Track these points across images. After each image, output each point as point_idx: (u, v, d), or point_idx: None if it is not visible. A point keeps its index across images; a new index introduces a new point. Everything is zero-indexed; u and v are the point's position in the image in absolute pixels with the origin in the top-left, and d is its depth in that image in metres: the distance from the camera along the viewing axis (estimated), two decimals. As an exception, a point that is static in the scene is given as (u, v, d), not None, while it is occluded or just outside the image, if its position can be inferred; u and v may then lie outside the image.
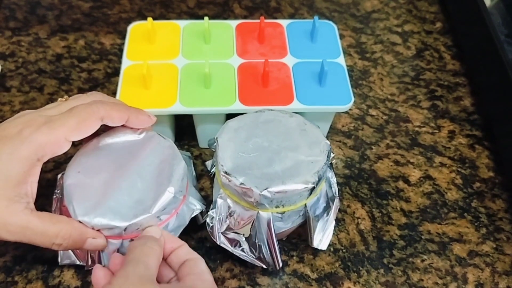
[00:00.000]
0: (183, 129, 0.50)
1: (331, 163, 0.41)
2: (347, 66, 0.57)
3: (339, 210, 0.45)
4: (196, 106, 0.44)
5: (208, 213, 0.39)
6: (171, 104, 0.44)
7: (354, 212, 0.46)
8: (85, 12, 0.63)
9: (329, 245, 0.43)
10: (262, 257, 0.38)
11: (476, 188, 0.48)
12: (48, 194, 0.45)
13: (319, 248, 0.39)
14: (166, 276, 0.35)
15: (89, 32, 0.60)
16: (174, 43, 0.49)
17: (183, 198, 0.38)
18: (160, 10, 0.63)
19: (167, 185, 0.36)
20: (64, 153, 0.35)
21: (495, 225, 0.45)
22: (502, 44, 0.50)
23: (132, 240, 0.36)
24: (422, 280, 0.42)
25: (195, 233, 0.43)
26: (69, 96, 0.53)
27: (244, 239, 0.38)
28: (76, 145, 0.45)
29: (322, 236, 0.39)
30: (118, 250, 0.37)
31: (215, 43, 0.49)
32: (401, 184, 0.48)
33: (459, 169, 0.49)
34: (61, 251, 0.38)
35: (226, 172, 0.36)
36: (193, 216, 0.39)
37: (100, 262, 0.38)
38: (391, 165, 0.49)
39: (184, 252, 0.35)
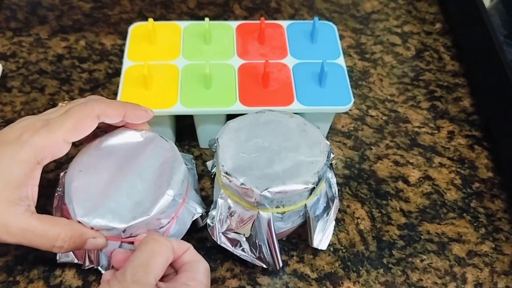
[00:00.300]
0: (184, 129, 0.50)
1: (331, 164, 0.42)
2: (347, 66, 0.57)
3: (339, 210, 0.45)
4: (197, 107, 0.44)
5: (209, 213, 0.39)
6: (172, 104, 0.44)
7: (353, 212, 0.46)
8: (85, 12, 0.63)
9: (329, 245, 0.43)
10: (262, 257, 0.38)
11: (475, 189, 0.48)
12: (49, 194, 0.45)
13: (319, 248, 0.39)
14: (165, 271, 0.35)
15: (90, 33, 0.60)
16: (175, 44, 0.49)
17: (183, 202, 0.38)
18: (161, 11, 0.63)
19: (166, 187, 0.36)
20: (65, 153, 0.35)
21: (494, 225, 0.46)
22: (501, 45, 0.50)
23: (131, 243, 0.36)
24: (422, 280, 0.42)
25: (196, 233, 0.43)
26: (70, 97, 0.53)
27: (244, 239, 0.38)
28: (78, 145, 0.45)
29: (322, 236, 0.39)
30: None
31: (216, 44, 0.49)
32: (400, 184, 0.48)
33: (458, 170, 0.50)
34: None
35: (226, 173, 0.36)
36: (193, 219, 0.39)
37: (98, 262, 0.38)
38: (391, 166, 0.50)
39: (188, 256, 0.35)
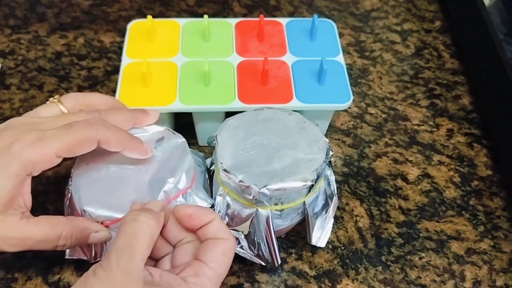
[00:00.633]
0: (183, 127, 0.50)
1: (330, 161, 0.42)
2: (347, 64, 0.57)
3: (338, 208, 0.45)
4: (196, 104, 0.44)
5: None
6: (171, 102, 0.44)
7: (352, 210, 0.46)
8: (84, 10, 0.63)
9: (328, 242, 0.43)
10: (261, 254, 0.38)
11: (474, 186, 0.48)
12: (57, 190, 0.46)
13: (318, 245, 0.39)
14: (185, 239, 0.33)
15: (89, 30, 0.60)
16: (174, 41, 0.49)
17: (185, 190, 0.38)
18: (160, 8, 0.63)
19: (169, 176, 0.36)
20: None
21: (493, 223, 0.46)
22: (501, 43, 0.50)
23: None
24: (420, 277, 0.42)
25: (194, 230, 0.43)
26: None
27: (243, 236, 0.38)
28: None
29: (321, 234, 0.39)
30: None
31: (215, 41, 0.49)
32: (399, 182, 0.48)
33: (457, 167, 0.50)
34: None
35: (225, 170, 0.36)
36: None
37: (101, 255, 0.38)
38: (390, 163, 0.50)
39: (211, 230, 0.32)
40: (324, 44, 0.50)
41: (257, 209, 0.37)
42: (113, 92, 0.53)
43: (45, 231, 0.33)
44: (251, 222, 0.37)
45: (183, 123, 0.50)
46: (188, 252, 0.33)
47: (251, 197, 0.36)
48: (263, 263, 0.38)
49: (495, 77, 0.51)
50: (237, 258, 0.41)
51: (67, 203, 0.39)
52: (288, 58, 0.48)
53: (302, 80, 0.46)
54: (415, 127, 0.53)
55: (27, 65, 0.56)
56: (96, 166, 0.37)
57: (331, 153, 0.40)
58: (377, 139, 0.52)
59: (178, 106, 0.44)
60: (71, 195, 0.37)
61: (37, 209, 0.44)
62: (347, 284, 0.41)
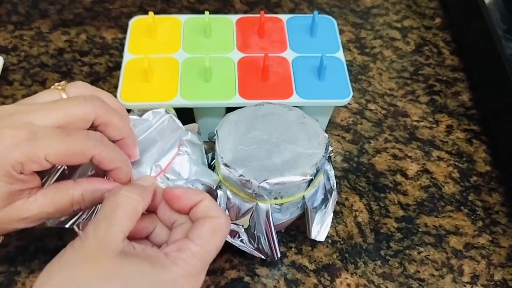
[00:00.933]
0: (184, 122, 0.50)
1: (329, 156, 0.42)
2: (347, 61, 0.58)
3: (337, 203, 0.46)
4: (197, 100, 0.44)
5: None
6: (172, 97, 0.44)
7: (352, 205, 0.46)
8: (86, 6, 0.63)
9: (327, 237, 0.44)
10: (260, 248, 0.38)
11: (473, 182, 0.49)
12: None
13: (317, 239, 0.40)
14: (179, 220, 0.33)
15: (91, 27, 0.61)
16: (175, 37, 0.49)
17: (174, 157, 0.37)
18: (161, 5, 0.64)
19: (160, 151, 0.37)
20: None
21: (491, 218, 0.46)
22: (500, 39, 0.51)
23: None
24: (419, 271, 0.42)
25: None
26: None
27: (243, 230, 0.39)
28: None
29: (320, 228, 0.40)
30: None
31: (216, 38, 0.49)
32: (398, 177, 0.49)
33: (456, 163, 0.50)
34: None
35: (225, 164, 0.37)
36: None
37: None
38: (389, 159, 0.50)
39: (200, 210, 0.31)
40: (324, 41, 0.50)
41: (257, 203, 0.37)
42: (114, 88, 0.54)
43: (54, 201, 0.32)
44: (251, 216, 0.38)
45: (184, 119, 0.50)
46: (179, 234, 0.32)
47: (251, 191, 0.36)
48: (263, 257, 0.39)
49: (495, 74, 0.51)
50: (237, 252, 0.42)
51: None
52: (289, 54, 0.48)
53: (302, 76, 0.46)
54: (415, 123, 0.53)
55: (30, 61, 0.57)
56: None
57: (330, 148, 0.40)
58: (376, 135, 0.52)
59: (179, 101, 0.44)
60: None
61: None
62: (346, 278, 0.42)
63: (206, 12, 0.48)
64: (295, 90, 0.45)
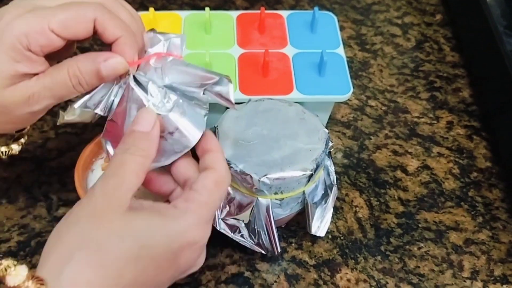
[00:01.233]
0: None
1: (329, 152, 0.42)
2: (347, 57, 0.58)
3: (338, 199, 0.46)
4: (197, 95, 0.44)
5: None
6: (172, 93, 0.44)
7: (352, 201, 0.46)
8: (87, 3, 0.63)
9: (327, 232, 0.44)
10: (261, 243, 0.38)
11: (473, 178, 0.49)
12: (60, 180, 0.46)
13: (317, 234, 0.40)
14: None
15: (92, 23, 0.61)
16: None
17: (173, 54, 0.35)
18: (162, 1, 0.64)
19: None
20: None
21: (491, 214, 0.46)
22: (501, 35, 0.51)
23: None
24: (419, 267, 0.42)
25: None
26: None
27: (243, 225, 0.39)
28: (79, 134, 0.46)
29: (320, 223, 0.40)
30: None
31: (216, 34, 0.50)
32: (399, 173, 0.49)
33: (456, 159, 0.50)
34: None
35: (226, 159, 0.37)
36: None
37: None
38: (390, 155, 0.50)
39: (209, 159, 0.31)
40: (325, 37, 0.50)
41: (257, 198, 0.37)
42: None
43: (53, 76, 0.32)
44: (251, 211, 0.38)
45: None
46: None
47: (251, 186, 0.36)
48: (263, 252, 0.39)
49: (495, 70, 0.51)
50: (238, 247, 0.42)
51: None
52: (289, 50, 0.49)
53: (302, 72, 0.46)
54: (415, 119, 0.53)
55: (31, 57, 0.57)
56: None
57: (330, 144, 0.40)
58: (377, 131, 0.52)
59: (180, 97, 0.44)
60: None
61: (40, 199, 0.45)
62: (346, 273, 0.42)
63: (207, 8, 0.48)
64: (295, 86, 0.45)
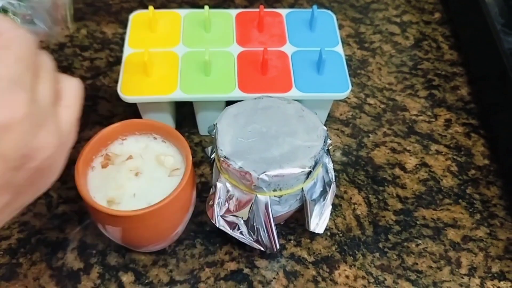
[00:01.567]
0: (184, 116, 0.51)
1: (328, 149, 0.42)
2: (346, 55, 0.58)
3: (336, 196, 0.46)
4: (196, 93, 0.44)
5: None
6: (172, 91, 0.44)
7: (350, 198, 0.47)
8: (87, 1, 0.63)
9: (326, 229, 0.44)
10: (260, 239, 0.39)
11: (471, 175, 0.49)
12: (60, 178, 0.46)
13: (316, 231, 0.40)
14: None
15: (91, 22, 0.61)
16: (175, 32, 0.49)
17: None
18: (161, 0, 0.64)
19: None
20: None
21: (489, 211, 0.46)
22: (499, 34, 0.51)
23: None
24: (417, 263, 0.43)
25: (195, 217, 0.44)
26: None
27: (242, 222, 0.39)
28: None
29: (319, 220, 0.40)
30: None
31: (215, 32, 0.50)
32: (397, 171, 0.49)
33: (454, 157, 0.50)
34: None
35: (225, 157, 0.37)
36: None
37: None
38: (388, 153, 0.50)
39: None
40: (323, 35, 0.50)
41: (256, 195, 0.37)
42: (115, 82, 0.54)
43: None
44: (250, 208, 0.38)
45: (184, 113, 0.51)
46: None
47: (250, 183, 0.37)
48: (262, 249, 0.39)
49: (493, 68, 0.51)
50: (237, 244, 0.42)
51: None
52: (288, 48, 0.49)
53: (301, 70, 0.47)
54: (414, 117, 0.53)
55: (31, 56, 0.57)
56: None
57: (329, 141, 0.41)
58: (375, 129, 0.52)
59: (179, 95, 0.44)
60: None
61: (41, 196, 0.45)
62: (345, 270, 0.42)
63: (206, 7, 0.48)
64: (294, 84, 0.46)
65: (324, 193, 0.40)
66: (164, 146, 0.40)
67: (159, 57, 0.47)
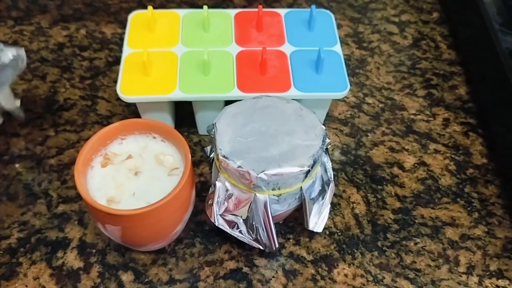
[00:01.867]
0: (183, 116, 0.51)
1: (326, 148, 0.42)
2: (345, 55, 0.58)
3: (335, 195, 0.46)
4: (195, 93, 0.45)
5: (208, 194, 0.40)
6: (171, 91, 0.45)
7: (349, 197, 0.47)
8: (86, 1, 0.63)
9: (325, 228, 0.44)
10: (259, 238, 0.39)
11: (469, 174, 0.49)
12: (59, 178, 0.46)
13: (315, 230, 0.40)
14: None
15: (90, 22, 0.61)
16: (174, 32, 0.50)
17: None
18: (161, 0, 0.64)
19: None
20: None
21: (487, 210, 0.47)
22: (497, 33, 0.51)
23: None
24: (415, 262, 0.43)
25: (195, 216, 0.44)
26: (71, 84, 0.54)
27: (241, 221, 0.39)
28: (78, 131, 0.46)
29: (318, 219, 0.40)
30: None
31: (214, 32, 0.50)
32: (396, 170, 0.49)
33: (453, 156, 0.50)
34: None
35: (224, 156, 0.37)
36: None
37: None
38: (386, 152, 0.50)
39: None
40: (322, 34, 0.50)
41: (255, 194, 0.38)
42: (114, 82, 0.54)
43: None
44: (249, 207, 0.38)
45: (183, 112, 0.51)
46: None
47: (249, 182, 0.37)
48: (261, 247, 0.39)
49: (491, 67, 0.52)
50: (236, 243, 0.42)
51: None
52: (287, 48, 0.49)
53: (300, 70, 0.47)
54: (412, 116, 0.54)
55: (30, 56, 0.57)
56: None
57: (328, 140, 0.41)
58: (374, 128, 0.52)
59: (178, 95, 0.44)
60: None
61: (40, 196, 0.45)
62: (344, 269, 0.42)
63: (205, 7, 0.49)
64: (293, 83, 0.46)
65: (322, 192, 0.41)
66: (163, 145, 0.40)
67: (158, 57, 0.47)
